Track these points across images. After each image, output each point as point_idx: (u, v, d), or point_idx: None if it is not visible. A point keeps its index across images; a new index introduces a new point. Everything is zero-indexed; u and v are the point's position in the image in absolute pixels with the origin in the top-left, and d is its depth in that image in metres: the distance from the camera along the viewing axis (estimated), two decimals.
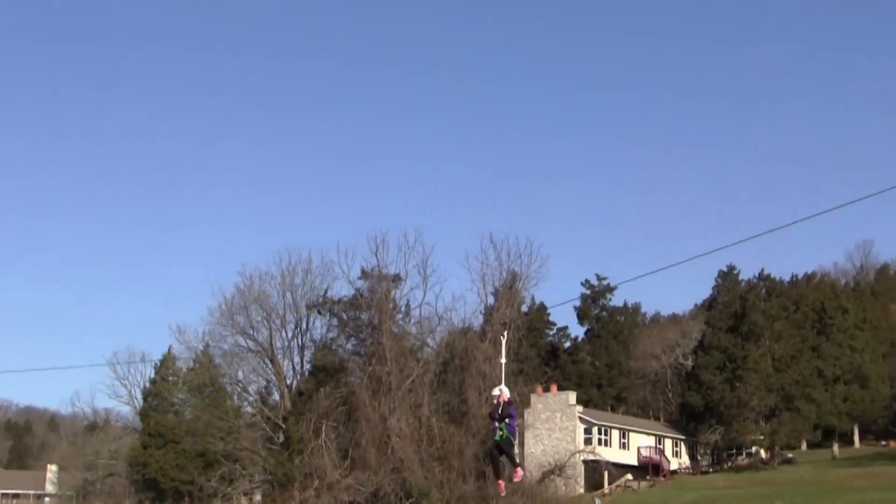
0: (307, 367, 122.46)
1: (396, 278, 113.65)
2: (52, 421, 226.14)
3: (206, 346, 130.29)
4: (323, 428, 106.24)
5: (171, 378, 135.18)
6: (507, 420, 20.79)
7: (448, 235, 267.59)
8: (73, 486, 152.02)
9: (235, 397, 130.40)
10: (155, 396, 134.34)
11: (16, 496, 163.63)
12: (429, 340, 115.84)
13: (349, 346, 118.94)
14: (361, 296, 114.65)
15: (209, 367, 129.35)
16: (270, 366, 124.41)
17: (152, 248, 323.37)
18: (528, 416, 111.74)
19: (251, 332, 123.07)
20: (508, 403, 20.98)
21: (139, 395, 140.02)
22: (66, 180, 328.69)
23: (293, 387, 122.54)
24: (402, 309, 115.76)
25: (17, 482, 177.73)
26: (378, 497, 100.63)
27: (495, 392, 21.03)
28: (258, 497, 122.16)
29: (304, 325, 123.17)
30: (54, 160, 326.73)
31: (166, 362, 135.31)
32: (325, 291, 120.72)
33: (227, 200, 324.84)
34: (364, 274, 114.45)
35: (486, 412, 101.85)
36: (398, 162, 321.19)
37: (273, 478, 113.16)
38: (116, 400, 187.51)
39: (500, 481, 21.54)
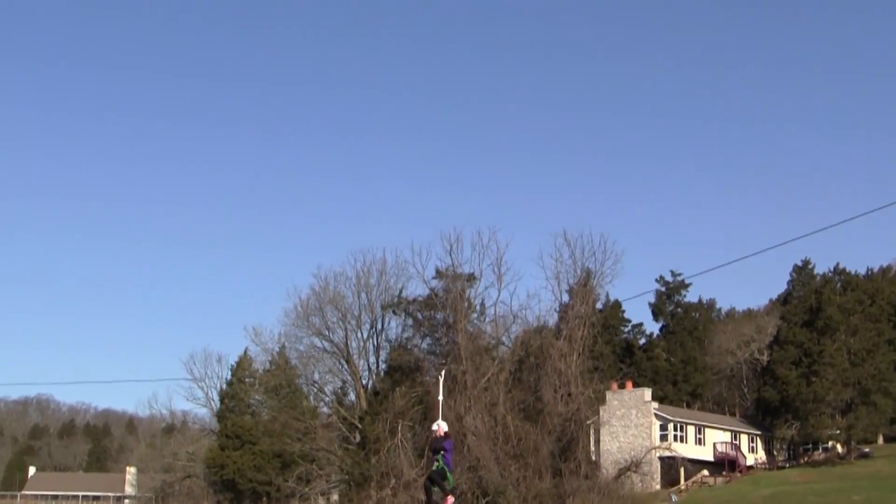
0: (383, 366, 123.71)
1: (471, 277, 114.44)
2: (130, 424, 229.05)
3: (282, 347, 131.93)
4: (399, 427, 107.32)
5: (247, 380, 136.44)
6: (442, 452, 22.31)
7: (522, 233, 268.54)
8: (152, 487, 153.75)
9: (311, 398, 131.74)
10: (232, 398, 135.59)
11: (96, 498, 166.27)
12: (504, 339, 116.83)
13: (424, 345, 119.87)
14: (436, 295, 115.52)
15: (285, 369, 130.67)
16: (346, 366, 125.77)
17: (228, 251, 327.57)
18: (604, 413, 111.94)
19: (327, 332, 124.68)
20: (444, 437, 22.84)
21: (216, 397, 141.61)
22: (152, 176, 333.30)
23: (369, 387, 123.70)
24: (477, 308, 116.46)
25: (96, 484, 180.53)
26: (454, 496, 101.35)
27: (434, 427, 22.84)
28: (335, 497, 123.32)
29: (379, 326, 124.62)
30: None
31: (242, 364, 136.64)
32: (400, 291, 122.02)
33: (301, 203, 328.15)
34: (438, 273, 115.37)
35: (559, 410, 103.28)
36: (471, 161, 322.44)
37: (350, 477, 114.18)
38: (193, 402, 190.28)
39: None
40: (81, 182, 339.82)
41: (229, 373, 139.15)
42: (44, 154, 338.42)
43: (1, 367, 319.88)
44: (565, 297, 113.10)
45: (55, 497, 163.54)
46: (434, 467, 22.83)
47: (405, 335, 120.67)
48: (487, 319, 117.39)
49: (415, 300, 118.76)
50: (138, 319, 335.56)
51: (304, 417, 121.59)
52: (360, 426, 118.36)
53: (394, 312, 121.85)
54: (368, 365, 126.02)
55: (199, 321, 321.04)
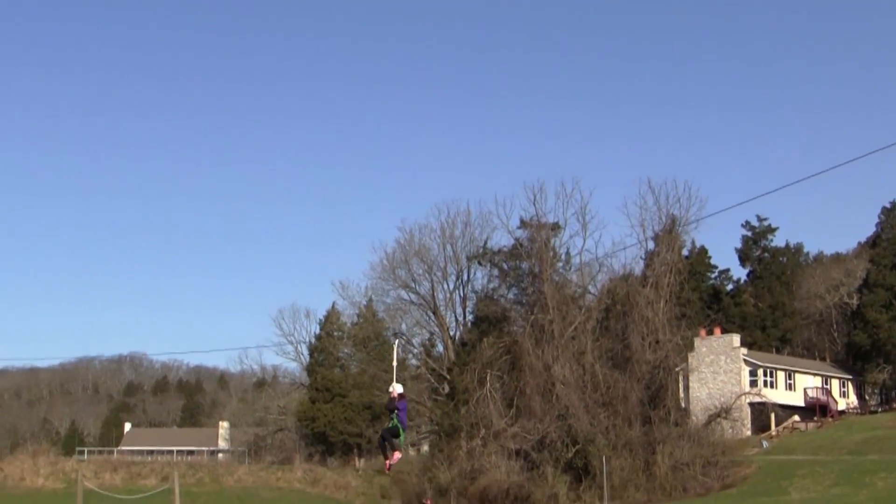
0: (470, 317, 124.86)
1: (555, 226, 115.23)
2: (222, 379, 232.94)
3: (369, 300, 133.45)
4: (487, 377, 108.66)
5: (335, 333, 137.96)
6: (396, 412, 24.46)
7: (606, 181, 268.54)
8: (245, 441, 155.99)
9: (400, 350, 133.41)
10: (321, 352, 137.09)
11: (190, 453, 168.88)
12: (590, 287, 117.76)
13: (511, 295, 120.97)
14: (521, 245, 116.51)
15: (373, 322, 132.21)
16: (433, 318, 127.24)
17: (315, 207, 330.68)
18: (692, 359, 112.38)
19: (413, 285, 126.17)
20: (399, 398, 24.77)
21: (305, 351, 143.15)
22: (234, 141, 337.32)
23: (456, 338, 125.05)
24: (563, 257, 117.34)
25: (190, 439, 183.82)
26: (544, 444, 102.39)
27: (389, 389, 25.03)
28: (425, 447, 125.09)
29: (465, 277, 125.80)
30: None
31: (331, 318, 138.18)
32: (485, 242, 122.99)
33: (386, 156, 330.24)
34: (523, 223, 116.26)
35: (647, 358, 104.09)
36: (554, 110, 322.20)
37: (440, 428, 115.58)
38: (283, 356, 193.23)
39: (388, 461, 25.42)
40: (174, 144, 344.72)
41: (318, 327, 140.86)
42: (139, 116, 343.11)
43: (97, 326, 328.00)
44: (651, 245, 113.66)
45: (150, 452, 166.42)
46: (388, 425, 24.96)
47: (491, 286, 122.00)
48: (573, 268, 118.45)
49: (500, 251, 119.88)
50: (228, 277, 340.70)
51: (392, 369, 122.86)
52: (448, 377, 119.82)
53: (479, 263, 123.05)
54: (455, 316, 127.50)
55: (287, 277, 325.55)
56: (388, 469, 27.64)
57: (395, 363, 31.23)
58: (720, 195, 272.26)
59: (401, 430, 25.20)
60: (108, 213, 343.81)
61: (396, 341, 36.42)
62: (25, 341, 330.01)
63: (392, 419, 25.55)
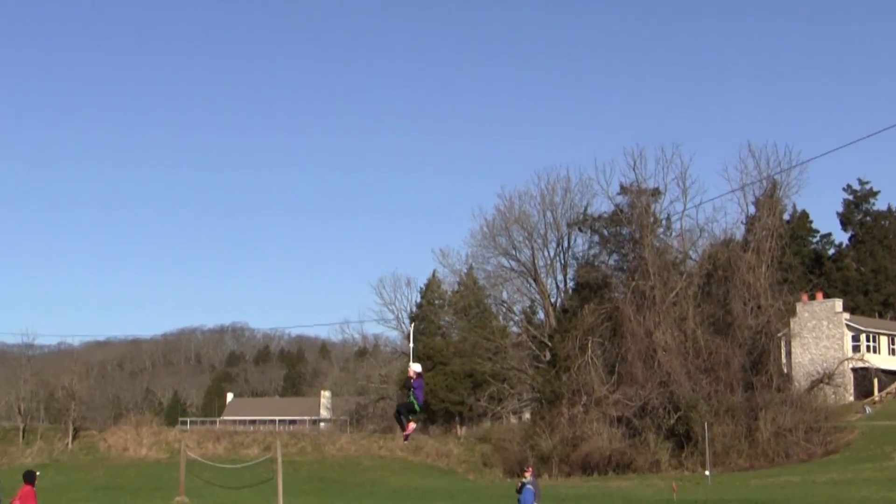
0: (570, 284, 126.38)
1: (656, 192, 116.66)
2: (324, 348, 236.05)
3: (470, 268, 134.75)
4: (589, 344, 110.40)
5: (436, 301, 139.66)
6: (413, 389, 27.67)
7: (706, 146, 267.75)
8: (346, 410, 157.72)
9: (501, 318, 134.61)
10: (422, 320, 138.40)
11: (292, 422, 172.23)
12: (691, 253, 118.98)
13: (611, 261, 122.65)
14: (621, 211, 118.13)
15: (473, 289, 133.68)
16: (534, 285, 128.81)
17: (413, 175, 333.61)
18: (794, 325, 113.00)
19: (513, 252, 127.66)
20: (416, 377, 27.84)
21: (406, 320, 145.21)
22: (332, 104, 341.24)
23: (557, 305, 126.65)
24: (663, 222, 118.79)
25: (292, 409, 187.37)
26: (646, 411, 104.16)
27: (409, 368, 28.04)
28: (527, 415, 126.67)
29: (565, 243, 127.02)
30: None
31: (431, 286, 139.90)
32: (585, 208, 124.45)
33: (485, 123, 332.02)
34: (623, 189, 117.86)
35: (749, 323, 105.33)
36: (652, 74, 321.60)
37: (541, 395, 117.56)
38: (384, 325, 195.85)
39: (404, 432, 28.39)
40: (276, 113, 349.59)
41: (419, 295, 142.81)
42: (244, 86, 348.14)
43: (200, 297, 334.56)
44: (751, 209, 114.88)
45: (252, 422, 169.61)
46: (406, 400, 27.93)
47: (592, 252, 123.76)
48: (674, 234, 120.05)
49: (600, 217, 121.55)
50: (329, 246, 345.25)
51: (493, 337, 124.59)
52: (549, 344, 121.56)
53: (579, 230, 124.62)
54: (556, 283, 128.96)
55: (387, 245, 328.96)
56: (406, 439, 30.55)
57: (411, 345, 34.16)
58: (823, 161, 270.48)
59: (416, 406, 27.91)
60: (210, 185, 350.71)
61: (413, 325, 38.46)
62: (128, 313, 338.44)
63: (409, 395, 28.27)
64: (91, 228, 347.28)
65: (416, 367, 28.40)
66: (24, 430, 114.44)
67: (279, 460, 74.22)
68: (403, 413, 28.44)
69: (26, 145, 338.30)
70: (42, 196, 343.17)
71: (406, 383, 28.65)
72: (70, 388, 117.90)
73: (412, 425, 28.45)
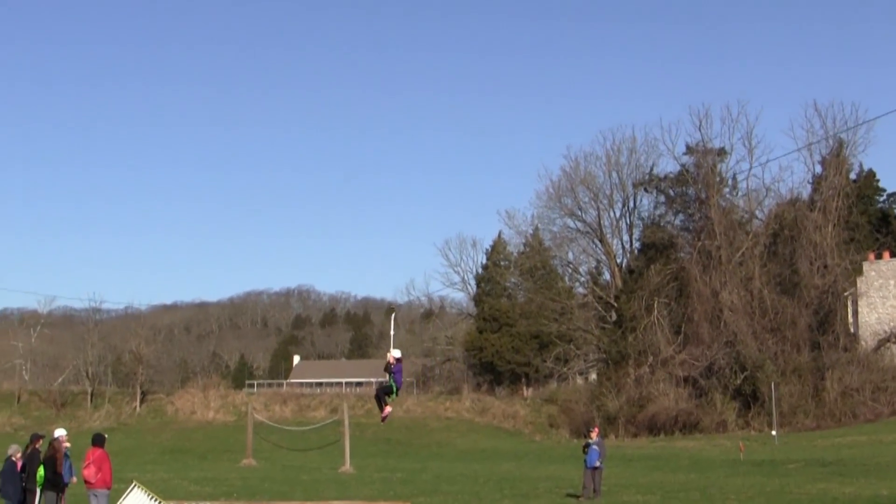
0: (636, 244, 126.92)
1: (721, 152, 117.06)
2: (390, 311, 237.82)
3: (536, 229, 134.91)
4: (655, 305, 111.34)
5: (502, 263, 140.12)
6: (392, 373, 29.37)
7: (772, 105, 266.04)
8: (413, 372, 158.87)
9: (567, 278, 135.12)
10: (487, 281, 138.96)
11: (358, 385, 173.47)
12: (757, 212, 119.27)
13: (677, 221, 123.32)
14: (687, 171, 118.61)
15: (539, 250, 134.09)
16: (600, 245, 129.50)
17: (478, 136, 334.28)
18: (861, 284, 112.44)
19: (579, 213, 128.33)
20: (396, 362, 29.33)
21: (472, 281, 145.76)
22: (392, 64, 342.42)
23: (623, 265, 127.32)
24: (729, 182, 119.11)
25: (358, 371, 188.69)
26: (712, 371, 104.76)
27: (389, 353, 29.57)
28: (593, 376, 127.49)
29: (631, 204, 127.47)
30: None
31: (497, 247, 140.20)
32: (651, 169, 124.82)
33: (550, 83, 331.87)
34: (689, 149, 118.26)
35: (816, 283, 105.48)
36: (718, 33, 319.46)
37: (607, 356, 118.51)
38: (450, 287, 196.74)
39: (382, 413, 30.28)
40: (338, 73, 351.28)
41: (484, 257, 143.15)
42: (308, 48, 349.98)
43: (266, 260, 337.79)
44: (818, 169, 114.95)
45: (319, 384, 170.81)
46: (385, 384, 30.10)
47: (657, 212, 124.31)
48: (740, 194, 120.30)
49: (666, 177, 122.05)
50: (394, 208, 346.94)
51: (559, 298, 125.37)
52: (615, 305, 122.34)
53: (645, 190, 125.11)
54: (622, 243, 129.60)
55: (452, 206, 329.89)
56: (384, 420, 32.05)
57: (392, 331, 36.12)
58: (890, 118, 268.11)
59: (394, 389, 29.76)
60: (277, 147, 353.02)
61: (394, 314, 39.28)
62: (195, 277, 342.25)
63: (389, 379, 29.98)
64: (158, 192, 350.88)
65: (395, 354, 29.97)
66: (92, 394, 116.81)
67: (346, 422, 75.79)
68: (382, 395, 30.20)
69: (92, 109, 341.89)
70: (108, 160, 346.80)
71: (386, 367, 30.25)
72: (137, 352, 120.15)
73: (388, 408, 30.23)
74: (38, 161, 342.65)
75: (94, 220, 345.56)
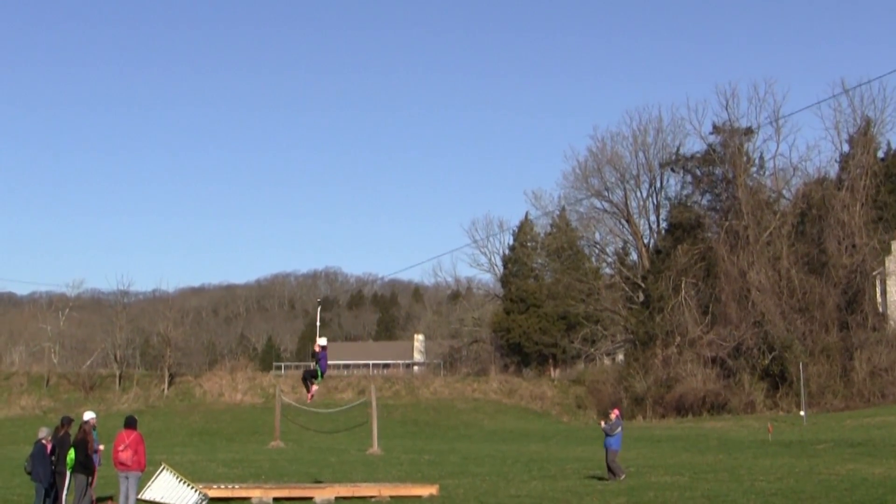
0: (663, 225, 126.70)
1: (748, 131, 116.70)
2: (416, 292, 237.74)
3: (562, 209, 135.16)
4: (682, 285, 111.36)
5: (529, 244, 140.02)
6: (318, 360, 33.66)
7: (798, 84, 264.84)
8: (440, 353, 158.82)
9: (594, 259, 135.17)
10: (514, 262, 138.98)
11: (385, 366, 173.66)
12: (784, 192, 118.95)
13: (704, 201, 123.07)
14: (714, 151, 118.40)
15: (566, 231, 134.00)
16: (627, 226, 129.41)
17: (505, 116, 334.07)
18: (890, 263, 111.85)
19: (606, 193, 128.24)
20: (321, 350, 33.72)
21: (499, 263, 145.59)
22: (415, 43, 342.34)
23: (650, 245, 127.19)
24: (756, 162, 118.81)
25: (386, 352, 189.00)
26: (740, 351, 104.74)
27: (316, 342, 34.28)
28: (621, 357, 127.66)
29: (658, 184, 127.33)
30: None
31: (524, 228, 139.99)
32: (678, 149, 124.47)
33: (576, 63, 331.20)
34: (715, 129, 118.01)
35: (844, 262, 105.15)
36: (744, 11, 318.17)
37: (635, 337, 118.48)
38: (477, 268, 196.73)
39: (308, 394, 34.52)
40: (367, 57, 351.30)
41: (511, 237, 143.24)
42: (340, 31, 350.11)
43: (292, 242, 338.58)
44: (845, 147, 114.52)
45: (346, 366, 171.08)
46: (311, 368, 34.25)
47: (685, 192, 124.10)
48: (767, 173, 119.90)
49: (693, 157, 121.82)
50: (420, 189, 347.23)
51: (587, 279, 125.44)
52: (643, 285, 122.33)
53: (672, 170, 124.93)
54: (649, 224, 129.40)
55: (478, 187, 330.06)
56: (310, 400, 36.36)
57: (318, 323, 38.39)
58: None
59: (319, 374, 33.40)
60: (302, 129, 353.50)
61: (320, 307, 40.40)
62: (222, 259, 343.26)
63: (314, 364, 33.75)
64: (186, 175, 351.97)
65: (321, 342, 33.87)
66: (120, 377, 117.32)
67: (374, 404, 76.08)
68: (308, 378, 34.06)
69: (120, 93, 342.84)
70: (136, 144, 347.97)
71: (313, 354, 34.19)
72: (165, 335, 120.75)
73: (315, 388, 33.92)
74: (67, 145, 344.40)
75: (122, 204, 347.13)
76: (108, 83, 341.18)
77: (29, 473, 30.25)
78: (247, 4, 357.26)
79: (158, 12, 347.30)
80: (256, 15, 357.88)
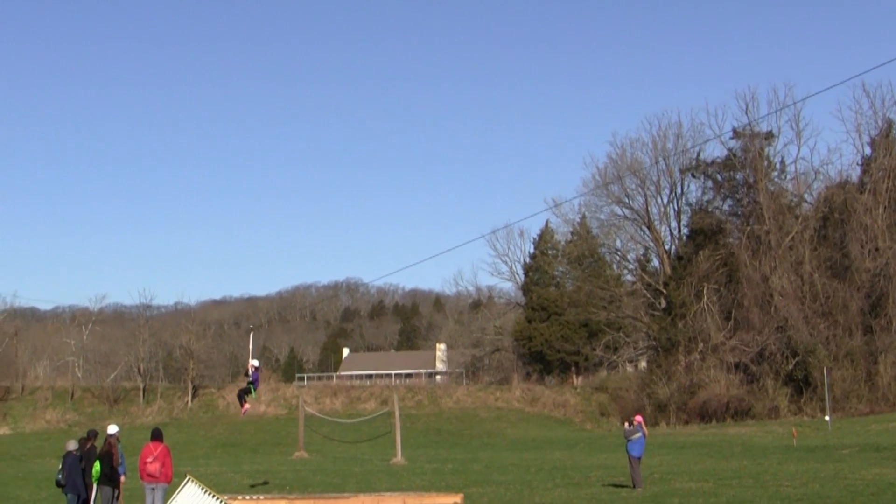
0: (685, 231, 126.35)
1: (769, 135, 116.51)
2: (437, 301, 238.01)
3: (583, 217, 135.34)
4: (704, 291, 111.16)
5: (550, 252, 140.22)
6: (251, 380, 37.17)
7: (819, 87, 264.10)
8: (462, 363, 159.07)
9: (615, 266, 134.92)
10: (535, 270, 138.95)
11: (408, 376, 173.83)
12: (806, 196, 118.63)
13: (726, 207, 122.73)
14: (735, 156, 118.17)
15: (587, 238, 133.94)
16: (648, 232, 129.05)
17: (525, 124, 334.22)
18: None
19: (626, 200, 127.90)
20: (254, 370, 37.14)
21: (520, 271, 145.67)
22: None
23: (672, 252, 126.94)
24: (777, 166, 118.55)
25: (407, 362, 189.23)
26: (763, 357, 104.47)
27: (249, 363, 37.85)
28: (643, 363, 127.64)
29: (678, 190, 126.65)
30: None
31: (544, 236, 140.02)
32: (698, 154, 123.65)
33: (594, 70, 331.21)
34: (736, 133, 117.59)
35: (867, 266, 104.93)
36: (762, 15, 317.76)
37: (657, 343, 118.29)
38: (498, 277, 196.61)
39: (242, 409, 38.36)
40: (385, 64, 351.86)
41: (532, 246, 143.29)
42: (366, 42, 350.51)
43: (313, 254, 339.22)
44: (867, 150, 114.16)
45: (369, 376, 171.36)
46: (246, 385, 37.85)
47: (706, 198, 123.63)
48: (788, 177, 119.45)
49: (713, 162, 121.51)
50: (440, 198, 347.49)
51: (608, 286, 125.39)
52: (664, 292, 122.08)
53: (693, 175, 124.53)
54: (670, 230, 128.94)
55: (498, 196, 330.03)
56: (243, 414, 39.75)
57: (250, 346, 40.68)
58: None
59: (252, 390, 36.96)
60: (321, 140, 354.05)
61: (252, 333, 41.43)
62: (243, 272, 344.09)
63: (248, 383, 37.19)
64: (205, 188, 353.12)
65: (254, 363, 37.35)
66: (144, 390, 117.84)
67: (397, 414, 76.13)
68: (242, 395, 37.30)
69: (134, 106, 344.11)
70: (158, 159, 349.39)
71: (246, 373, 37.73)
72: (188, 348, 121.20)
73: (247, 406, 37.67)
74: (88, 160, 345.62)
75: (143, 218, 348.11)
76: (129, 98, 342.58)
77: (61, 486, 30.54)
78: (271, 19, 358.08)
79: (190, 32, 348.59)
80: (282, 29, 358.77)
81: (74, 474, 30.10)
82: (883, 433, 70.78)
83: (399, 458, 68.00)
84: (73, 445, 30.79)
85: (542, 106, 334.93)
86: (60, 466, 30.72)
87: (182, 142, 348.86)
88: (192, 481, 32.04)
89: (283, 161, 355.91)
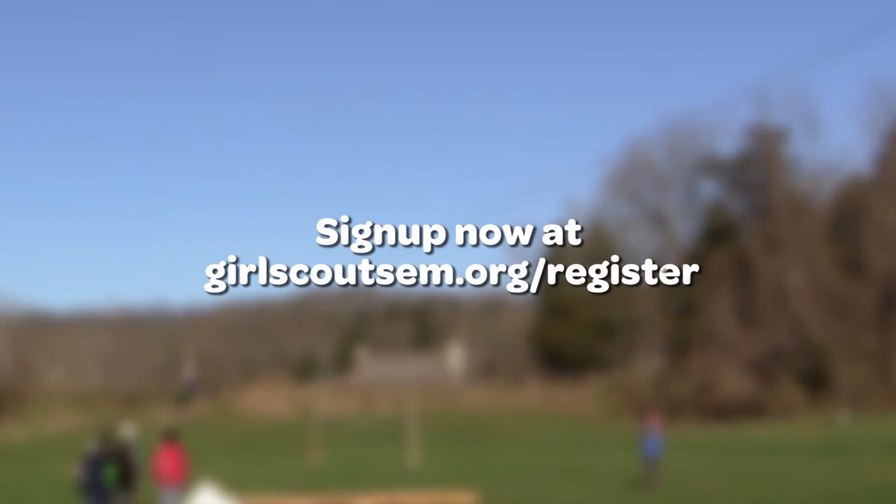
0: (698, 229, 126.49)
1: (782, 133, 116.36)
2: (452, 302, 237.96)
3: (596, 216, 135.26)
4: (718, 289, 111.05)
5: (565, 251, 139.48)
6: (191, 386, 34.48)
7: (833, 84, 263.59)
8: (476, 363, 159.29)
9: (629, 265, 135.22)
10: (550, 270, 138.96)
11: (422, 376, 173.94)
12: (820, 194, 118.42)
13: (739, 205, 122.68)
14: (748, 153, 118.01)
15: (601, 237, 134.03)
16: (661, 231, 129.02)
17: (535, 122, 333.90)
18: None
19: (639, 198, 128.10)
20: (194, 380, 34.65)
21: (534, 270, 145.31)
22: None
23: (686, 251, 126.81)
24: (791, 163, 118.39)
25: (422, 363, 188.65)
26: (778, 355, 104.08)
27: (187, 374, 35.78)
28: (658, 362, 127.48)
29: (692, 188, 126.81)
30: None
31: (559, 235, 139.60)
32: (711, 152, 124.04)
33: (607, 67, 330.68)
34: (749, 131, 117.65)
35: (882, 263, 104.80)
36: (776, 12, 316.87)
37: (671, 342, 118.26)
38: (513, 276, 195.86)
39: (180, 412, 35.19)
40: (399, 77, 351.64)
41: (546, 245, 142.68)
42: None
43: (328, 256, 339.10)
44: (881, 147, 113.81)
45: (384, 377, 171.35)
46: (183, 391, 35.83)
47: (719, 196, 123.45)
48: (802, 174, 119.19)
49: (726, 160, 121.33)
50: (452, 196, 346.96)
51: (622, 285, 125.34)
52: (679, 290, 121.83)
53: (706, 174, 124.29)
54: (684, 228, 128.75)
55: (511, 194, 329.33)
56: (183, 416, 37.12)
57: (187, 375, 40.88)
58: None
59: (189, 398, 36.23)
60: (332, 143, 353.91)
61: (187, 365, 41.95)
62: (256, 275, 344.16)
63: (186, 390, 35.75)
64: (218, 191, 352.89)
65: (190, 372, 35.16)
66: (159, 392, 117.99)
67: (411, 414, 76.32)
68: (181, 400, 36.04)
69: (158, 112, 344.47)
70: (172, 162, 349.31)
71: (185, 381, 36.15)
72: (202, 350, 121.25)
73: (188, 408, 35.31)
74: (102, 162, 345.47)
75: (157, 221, 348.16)
76: (141, 104, 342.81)
77: (80, 489, 30.70)
78: (293, 33, 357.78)
79: (209, 43, 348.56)
80: (312, 37, 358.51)
81: (93, 476, 30.25)
82: None
83: (414, 458, 68.19)
84: (91, 447, 30.95)
85: (555, 104, 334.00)
86: (79, 469, 30.87)
87: (196, 148, 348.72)
88: (207, 484, 32.22)
89: (290, 165, 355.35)
